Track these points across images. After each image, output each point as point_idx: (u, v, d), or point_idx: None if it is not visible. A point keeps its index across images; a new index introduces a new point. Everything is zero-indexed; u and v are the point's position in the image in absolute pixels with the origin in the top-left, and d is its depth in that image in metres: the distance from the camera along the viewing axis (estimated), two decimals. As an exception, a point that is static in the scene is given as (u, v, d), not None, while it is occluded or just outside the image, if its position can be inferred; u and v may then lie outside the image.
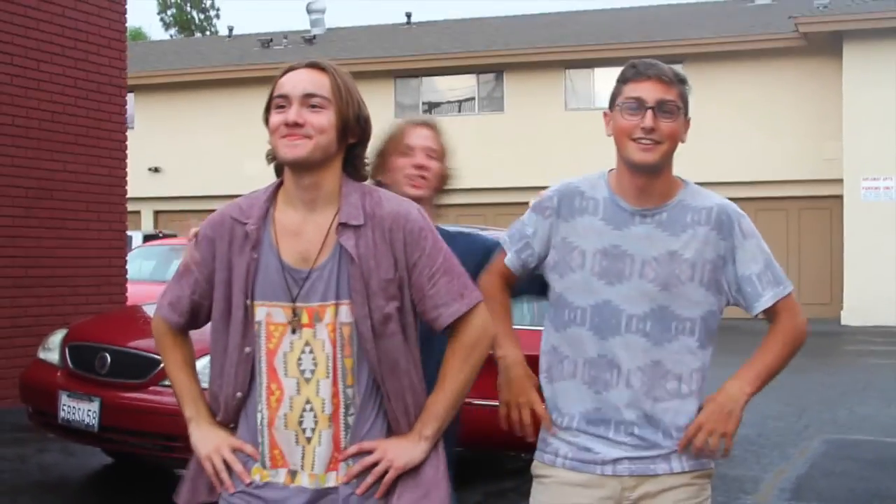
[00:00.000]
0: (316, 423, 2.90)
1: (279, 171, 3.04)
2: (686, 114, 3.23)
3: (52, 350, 8.04)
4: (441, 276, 2.97)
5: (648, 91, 3.15)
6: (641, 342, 3.20)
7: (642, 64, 3.21)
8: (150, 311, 8.96)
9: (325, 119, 2.90)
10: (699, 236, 3.21)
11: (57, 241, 11.56)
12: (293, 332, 2.91)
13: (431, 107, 30.40)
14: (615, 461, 3.23)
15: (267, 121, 2.97)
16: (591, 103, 28.61)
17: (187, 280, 3.08)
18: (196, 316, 3.11)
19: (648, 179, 3.21)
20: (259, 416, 2.96)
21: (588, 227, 3.26)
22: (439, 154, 3.85)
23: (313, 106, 2.90)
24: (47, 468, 8.73)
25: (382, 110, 29.33)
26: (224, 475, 2.98)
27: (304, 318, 2.90)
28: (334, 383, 2.91)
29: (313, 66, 2.96)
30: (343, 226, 2.92)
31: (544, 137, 28.38)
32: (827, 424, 11.49)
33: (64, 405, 7.46)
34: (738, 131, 26.01)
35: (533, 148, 28.37)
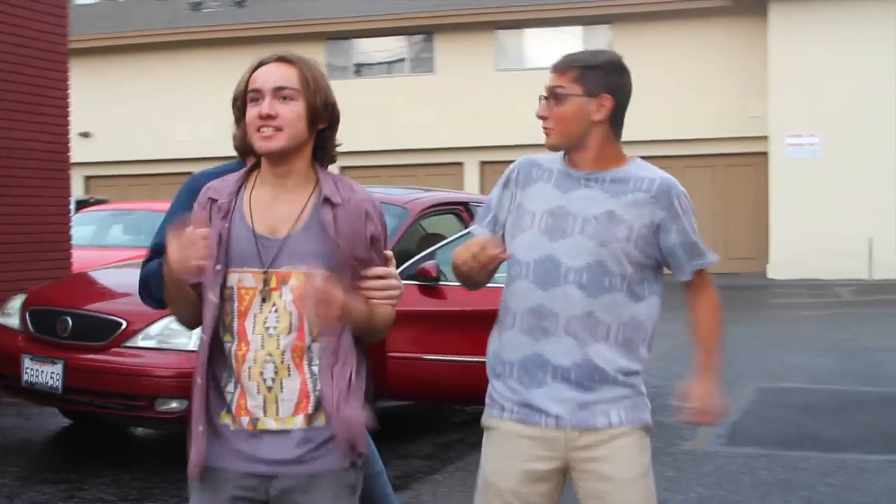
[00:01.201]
0: (276, 373, 3.18)
1: (247, 155, 3.42)
2: (594, 94, 3.50)
3: (11, 315, 8.20)
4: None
5: (548, 82, 3.56)
6: (577, 293, 3.47)
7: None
8: (100, 276, 9.15)
9: (295, 109, 3.19)
10: (638, 201, 3.49)
11: (2, 208, 11.62)
12: (263, 299, 3.18)
13: (362, 68, 30.48)
14: (557, 417, 3.50)
15: (236, 107, 3.28)
16: (521, 64, 28.86)
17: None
18: None
19: (571, 156, 3.58)
20: (229, 369, 3.22)
21: (540, 193, 3.58)
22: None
23: (284, 98, 3.18)
24: (6, 431, 8.91)
25: (314, 73, 29.33)
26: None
27: (273, 282, 3.18)
28: (299, 338, 3.18)
29: (282, 59, 3.24)
30: (325, 201, 3.21)
31: (475, 98, 28.59)
32: (758, 373, 11.91)
33: (27, 368, 7.64)
34: (665, 90, 26.33)
35: (464, 108, 28.60)
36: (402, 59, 30.43)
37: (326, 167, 3.34)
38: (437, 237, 8.71)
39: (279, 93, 3.18)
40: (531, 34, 29.04)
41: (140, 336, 7.41)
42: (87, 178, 31.31)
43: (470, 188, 27.96)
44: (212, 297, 3.19)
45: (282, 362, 3.17)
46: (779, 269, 25.82)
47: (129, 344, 7.43)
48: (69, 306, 7.83)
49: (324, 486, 3.22)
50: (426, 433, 8.69)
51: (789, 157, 25.92)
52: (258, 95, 3.19)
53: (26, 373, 7.65)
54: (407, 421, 9.26)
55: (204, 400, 3.22)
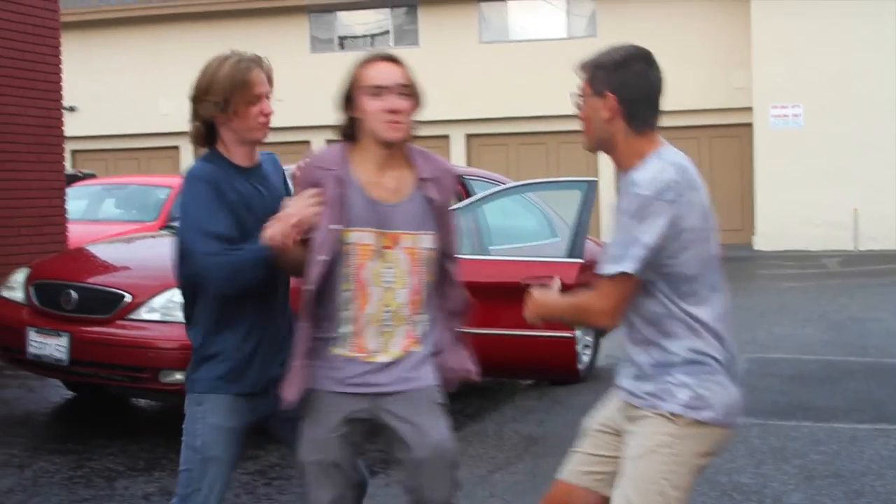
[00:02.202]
0: (395, 322, 3.83)
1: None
2: (600, 93, 3.61)
3: (15, 289, 8.27)
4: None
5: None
6: None
7: None
8: (101, 250, 9.22)
9: (411, 104, 3.84)
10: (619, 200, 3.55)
11: (-2, 183, 11.69)
12: (376, 252, 3.78)
13: (346, 41, 30.41)
14: (623, 389, 3.73)
15: (345, 105, 3.83)
16: (505, 36, 28.86)
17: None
18: None
19: (610, 156, 3.67)
20: (347, 313, 3.80)
21: None
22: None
23: (402, 94, 3.79)
24: (11, 403, 9.01)
25: (298, 46, 29.31)
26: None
27: (386, 241, 3.80)
28: (413, 293, 3.85)
29: (388, 59, 3.84)
30: (424, 180, 3.87)
31: (460, 71, 28.53)
32: (748, 344, 12.00)
33: (33, 341, 7.73)
34: (650, 62, 26.22)
35: (449, 81, 28.49)
36: (385, 32, 30.34)
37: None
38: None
39: (400, 89, 3.77)
40: (515, 6, 29.00)
41: (144, 309, 7.50)
42: (74, 152, 31.20)
43: (457, 161, 27.89)
44: (322, 254, 3.72)
45: (398, 311, 3.82)
46: (765, 240, 25.95)
47: (133, 316, 7.52)
48: (74, 280, 7.91)
49: (419, 399, 3.83)
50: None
51: (773, 128, 25.99)
52: (380, 91, 3.75)
53: (32, 345, 7.74)
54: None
55: (308, 340, 3.80)
